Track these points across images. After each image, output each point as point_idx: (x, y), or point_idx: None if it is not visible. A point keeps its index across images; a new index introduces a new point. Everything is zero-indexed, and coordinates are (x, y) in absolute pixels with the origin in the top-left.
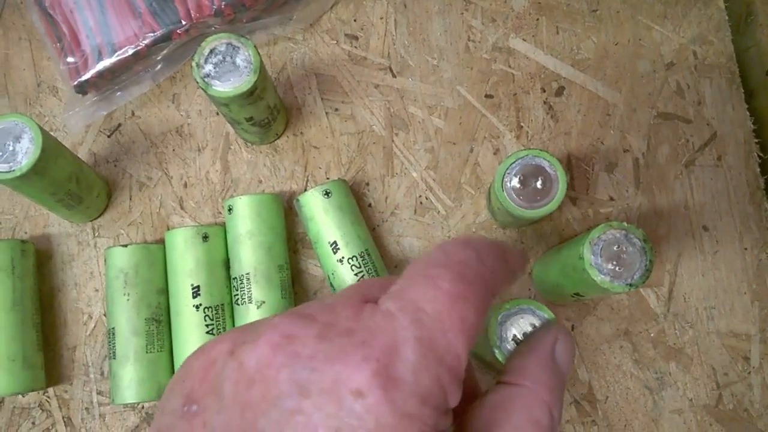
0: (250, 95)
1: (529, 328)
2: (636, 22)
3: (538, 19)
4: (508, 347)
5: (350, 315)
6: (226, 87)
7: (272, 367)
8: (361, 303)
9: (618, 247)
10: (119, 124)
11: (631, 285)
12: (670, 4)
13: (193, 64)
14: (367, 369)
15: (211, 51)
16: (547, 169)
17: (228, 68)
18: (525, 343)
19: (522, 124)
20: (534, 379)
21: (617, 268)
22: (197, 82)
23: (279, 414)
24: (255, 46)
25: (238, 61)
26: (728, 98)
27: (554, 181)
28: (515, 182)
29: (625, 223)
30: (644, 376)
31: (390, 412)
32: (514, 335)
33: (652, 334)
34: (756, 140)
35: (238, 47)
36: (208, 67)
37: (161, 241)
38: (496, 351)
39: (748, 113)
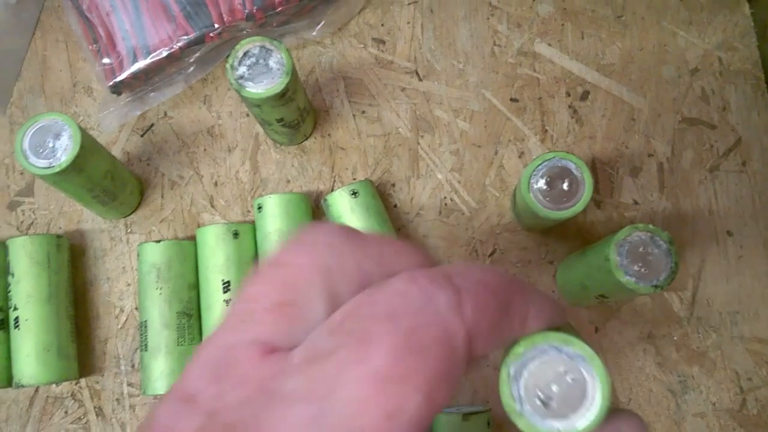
0: (282, 97)
1: (562, 378)
2: (661, 28)
3: (563, 25)
4: (532, 412)
5: (241, 397)
6: (259, 89)
7: None
8: (263, 366)
9: (644, 249)
10: (152, 124)
11: (656, 287)
12: (696, 10)
13: (227, 66)
14: None
15: (245, 53)
16: (574, 171)
17: (261, 70)
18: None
19: (547, 127)
20: None
21: (643, 270)
22: (231, 84)
23: None
24: (287, 50)
25: (271, 63)
26: (753, 104)
27: (580, 183)
28: (542, 184)
29: (651, 225)
30: (667, 379)
31: None
32: (539, 394)
33: (675, 338)
34: None
35: (271, 50)
36: (242, 69)
37: (192, 238)
38: (519, 421)
39: None
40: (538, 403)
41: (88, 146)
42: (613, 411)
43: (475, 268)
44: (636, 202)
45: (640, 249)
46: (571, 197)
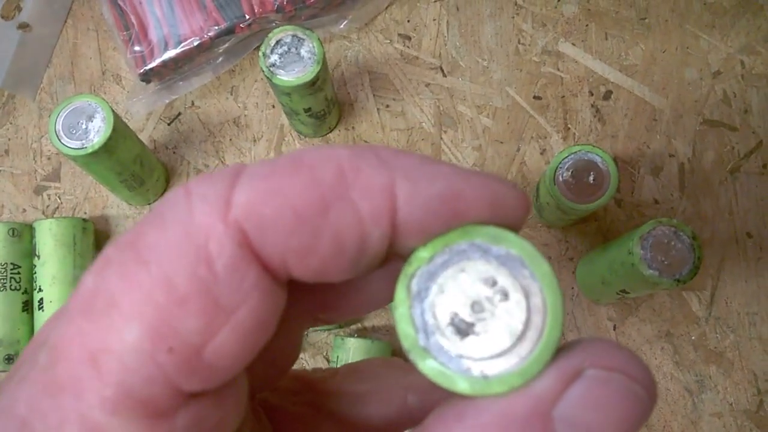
0: (312, 85)
1: (490, 294)
2: (684, 30)
3: (587, 25)
4: (442, 348)
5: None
6: (291, 76)
7: None
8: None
9: (667, 243)
10: (179, 113)
11: (678, 281)
12: (719, 14)
13: (260, 53)
14: None
15: (278, 42)
16: (599, 164)
17: (293, 59)
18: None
19: (569, 125)
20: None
21: (666, 263)
22: (263, 71)
23: None
24: (319, 39)
25: (303, 52)
26: None
27: (605, 177)
28: (567, 176)
29: (674, 220)
30: (684, 379)
31: None
32: (454, 319)
33: (693, 337)
34: None
35: (303, 39)
36: (274, 57)
37: None
38: (421, 361)
39: None
40: (452, 332)
41: (120, 129)
42: (572, 342)
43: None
44: (656, 201)
45: (664, 243)
46: (595, 191)
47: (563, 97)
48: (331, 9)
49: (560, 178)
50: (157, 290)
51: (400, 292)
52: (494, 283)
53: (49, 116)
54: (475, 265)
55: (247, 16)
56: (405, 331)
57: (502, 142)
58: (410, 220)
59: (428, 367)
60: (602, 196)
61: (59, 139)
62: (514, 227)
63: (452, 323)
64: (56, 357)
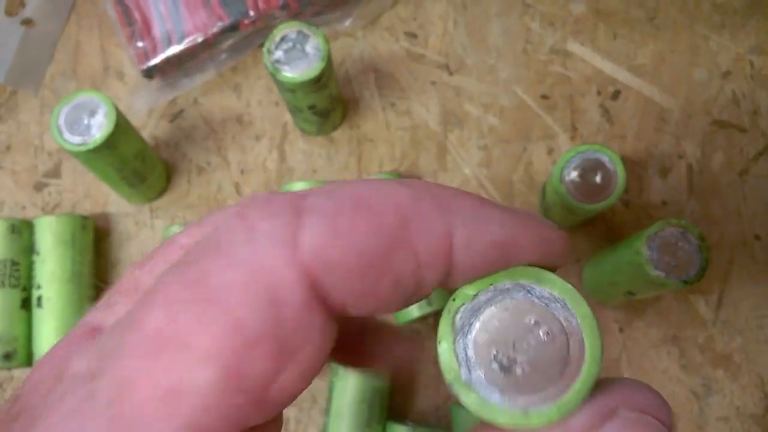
0: (317, 82)
1: (533, 333)
2: (693, 31)
3: (596, 25)
4: (485, 383)
5: (42, 390)
6: (295, 73)
7: None
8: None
9: (675, 244)
10: (182, 110)
11: (686, 282)
12: (728, 14)
13: (264, 49)
14: None
15: (282, 38)
16: (607, 164)
17: (297, 55)
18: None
19: (577, 125)
20: None
21: (673, 264)
22: (267, 67)
23: None
24: (324, 35)
25: (308, 48)
26: None
27: (613, 177)
28: (574, 175)
29: (683, 221)
30: (691, 382)
31: None
32: (497, 355)
33: (700, 340)
34: None
35: (309, 35)
36: (279, 53)
37: None
38: (465, 396)
39: None
40: (496, 368)
41: (122, 125)
42: (607, 381)
43: (351, 182)
44: (665, 203)
45: (671, 244)
46: (603, 191)
47: (571, 96)
48: (336, 6)
49: (567, 178)
50: (229, 333)
51: (444, 327)
52: (536, 323)
53: (51, 112)
54: (519, 303)
55: (252, 13)
56: (448, 365)
57: (508, 142)
58: (464, 264)
59: (470, 400)
60: (609, 196)
61: (61, 135)
62: (556, 266)
63: (495, 359)
64: (123, 394)
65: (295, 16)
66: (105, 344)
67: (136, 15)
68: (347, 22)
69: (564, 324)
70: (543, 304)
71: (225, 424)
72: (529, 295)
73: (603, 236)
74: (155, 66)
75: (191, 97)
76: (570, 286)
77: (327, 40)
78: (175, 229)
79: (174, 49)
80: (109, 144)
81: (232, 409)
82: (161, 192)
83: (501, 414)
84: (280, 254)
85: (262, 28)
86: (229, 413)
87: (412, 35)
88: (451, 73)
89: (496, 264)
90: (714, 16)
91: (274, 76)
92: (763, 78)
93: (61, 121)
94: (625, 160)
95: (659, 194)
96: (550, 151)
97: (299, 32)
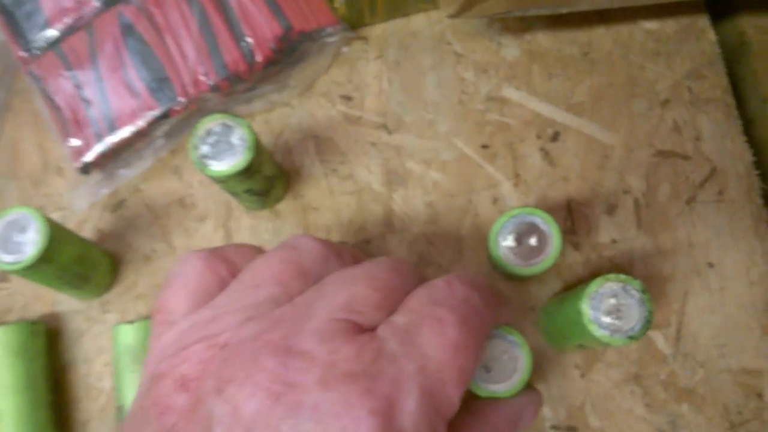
0: (247, 171)
1: (501, 355)
2: (629, 62)
3: (530, 67)
4: (478, 377)
5: (351, 355)
6: (223, 166)
7: (273, 418)
8: (357, 334)
9: (616, 300)
10: (123, 199)
11: (631, 338)
12: (662, 41)
13: (189, 146)
14: (373, 424)
15: (207, 132)
16: (541, 226)
17: (224, 148)
18: (505, 400)
19: (519, 172)
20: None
21: (617, 321)
22: (194, 163)
23: None
24: (249, 125)
25: (234, 140)
26: (726, 132)
27: (549, 238)
28: (510, 241)
29: (622, 275)
30: (657, 420)
31: None
32: (485, 365)
33: (662, 377)
34: (757, 172)
35: (233, 126)
36: (205, 148)
37: None
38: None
39: (747, 145)
40: (483, 371)
41: (56, 236)
42: (527, 387)
43: (481, 278)
44: (614, 241)
45: (613, 300)
46: (539, 252)
47: (511, 143)
48: (270, 79)
49: (502, 243)
50: None
51: None
52: (504, 351)
53: None
54: (498, 342)
55: (182, 99)
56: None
57: (453, 196)
58: None
59: (474, 386)
60: (547, 257)
61: None
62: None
63: (483, 366)
64: None
65: (228, 95)
66: (408, 340)
67: (67, 113)
68: (283, 93)
69: (516, 353)
70: (508, 343)
71: None
72: (503, 339)
73: (555, 280)
74: (91, 162)
75: (132, 185)
76: (521, 336)
77: (252, 130)
78: (125, 327)
79: (107, 143)
80: (44, 258)
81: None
82: (108, 286)
83: (484, 392)
84: (488, 312)
85: (196, 110)
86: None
87: (347, 98)
88: (390, 133)
89: None
90: (648, 43)
91: (201, 171)
92: (702, 102)
93: None
94: (571, 202)
95: (608, 233)
96: (495, 201)
97: (223, 124)
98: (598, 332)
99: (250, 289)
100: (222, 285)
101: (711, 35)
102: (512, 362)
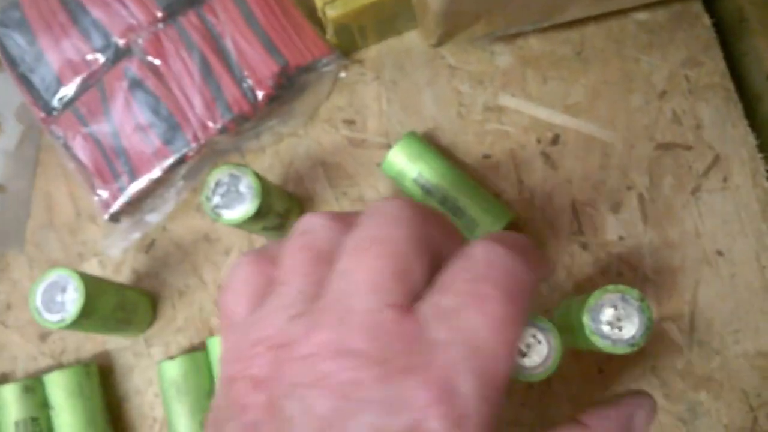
0: (257, 215)
1: (531, 340)
2: (623, 56)
3: (524, 73)
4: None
5: (402, 348)
6: (234, 215)
7: (346, 415)
8: (401, 320)
9: (616, 311)
10: (154, 240)
11: (633, 345)
12: (655, 31)
13: (203, 198)
14: (439, 412)
15: (217, 183)
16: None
17: (234, 197)
18: (614, 400)
19: (522, 178)
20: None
21: (618, 331)
22: (209, 215)
23: None
24: (254, 173)
25: (242, 188)
26: (727, 117)
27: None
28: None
29: (620, 286)
30: (676, 409)
31: None
32: (521, 348)
33: (678, 367)
34: (761, 155)
35: (239, 176)
36: (216, 199)
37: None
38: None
39: (749, 129)
40: (519, 356)
41: (93, 292)
42: (628, 394)
43: (522, 239)
44: (621, 238)
45: (612, 310)
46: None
47: (512, 150)
48: (275, 113)
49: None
50: None
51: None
52: (535, 335)
53: (28, 294)
54: (530, 328)
55: (193, 144)
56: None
57: None
58: None
59: (516, 369)
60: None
61: (41, 315)
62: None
63: (520, 352)
64: None
65: (237, 133)
66: (454, 323)
67: (90, 167)
68: (289, 124)
69: (546, 337)
70: (539, 330)
71: None
72: (534, 326)
73: (566, 281)
74: (118, 211)
75: (160, 226)
76: (551, 323)
77: (257, 176)
78: (168, 364)
79: (130, 193)
80: (85, 313)
81: None
82: (150, 323)
83: (522, 375)
84: (533, 278)
85: (209, 152)
86: None
87: (350, 122)
88: None
89: None
90: (640, 35)
91: (216, 221)
92: (701, 90)
93: (38, 302)
94: (576, 203)
95: (615, 230)
96: None
97: (231, 175)
98: (601, 343)
99: (282, 286)
100: (271, 283)
101: (705, 20)
102: (543, 346)
